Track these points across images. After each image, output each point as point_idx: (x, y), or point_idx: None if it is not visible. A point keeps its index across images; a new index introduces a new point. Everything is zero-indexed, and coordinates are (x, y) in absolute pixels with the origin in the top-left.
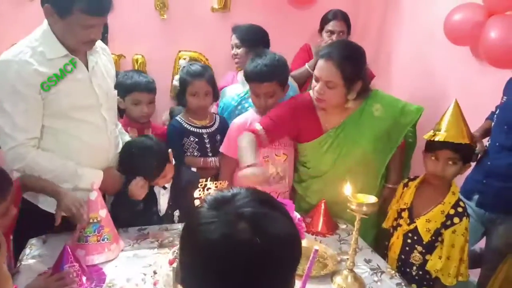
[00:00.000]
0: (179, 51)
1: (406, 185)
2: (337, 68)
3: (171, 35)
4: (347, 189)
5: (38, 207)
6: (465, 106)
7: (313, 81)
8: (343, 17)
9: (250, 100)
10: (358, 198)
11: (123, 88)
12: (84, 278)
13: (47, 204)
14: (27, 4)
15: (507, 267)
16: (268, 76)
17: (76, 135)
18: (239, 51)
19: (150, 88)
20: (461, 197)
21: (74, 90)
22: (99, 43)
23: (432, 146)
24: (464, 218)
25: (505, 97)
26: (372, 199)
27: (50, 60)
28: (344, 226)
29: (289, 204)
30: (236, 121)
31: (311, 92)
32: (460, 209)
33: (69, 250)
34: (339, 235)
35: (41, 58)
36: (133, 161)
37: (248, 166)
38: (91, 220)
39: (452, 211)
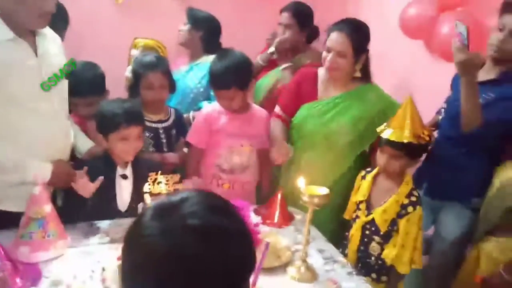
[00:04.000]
0: (135, 39)
1: (363, 177)
2: (348, 39)
3: (127, 22)
4: (301, 182)
5: None
6: (422, 100)
7: (324, 52)
8: (291, 10)
9: None
10: (310, 190)
11: None
12: (18, 279)
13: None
14: None
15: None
16: (224, 84)
17: (25, 124)
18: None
19: (84, 93)
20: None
21: (21, 76)
22: (50, 32)
23: (379, 141)
24: (418, 207)
25: (451, 92)
26: (324, 190)
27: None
28: (300, 217)
29: (245, 207)
30: (204, 111)
31: (320, 69)
32: (413, 198)
33: (1, 248)
34: (295, 226)
35: None
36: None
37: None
38: (34, 216)
39: (406, 201)
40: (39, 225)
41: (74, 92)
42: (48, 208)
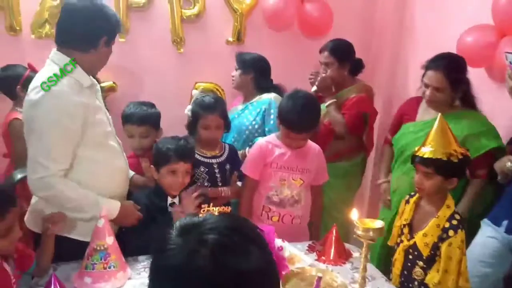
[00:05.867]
0: (196, 83)
1: (407, 201)
2: (444, 75)
3: (188, 68)
4: (354, 214)
5: (72, 239)
6: None
7: (423, 87)
8: (330, 49)
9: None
10: (365, 223)
11: (122, 118)
12: None
13: (79, 233)
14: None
15: None
16: (305, 130)
17: (101, 160)
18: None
19: (142, 121)
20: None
21: (101, 118)
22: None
23: (412, 159)
24: (459, 231)
25: None
26: (379, 223)
27: (85, 88)
28: (357, 254)
29: (270, 232)
30: (258, 143)
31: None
32: (454, 222)
33: (55, 279)
34: (352, 263)
35: (79, 88)
36: None
37: (380, 183)
38: (97, 248)
39: (447, 224)
40: (101, 256)
41: (132, 120)
42: (110, 240)
